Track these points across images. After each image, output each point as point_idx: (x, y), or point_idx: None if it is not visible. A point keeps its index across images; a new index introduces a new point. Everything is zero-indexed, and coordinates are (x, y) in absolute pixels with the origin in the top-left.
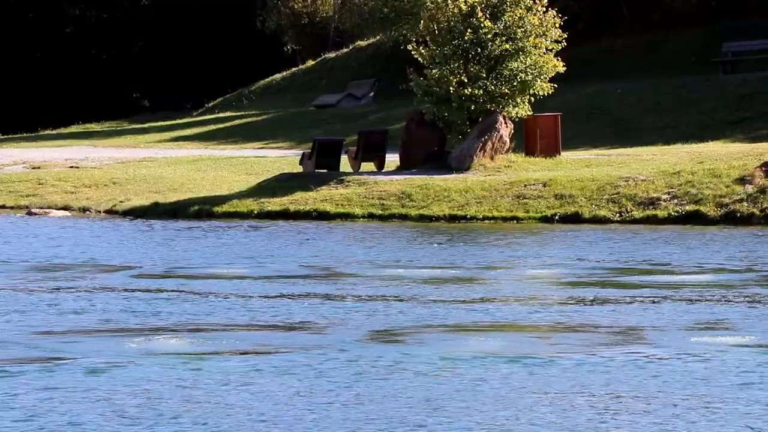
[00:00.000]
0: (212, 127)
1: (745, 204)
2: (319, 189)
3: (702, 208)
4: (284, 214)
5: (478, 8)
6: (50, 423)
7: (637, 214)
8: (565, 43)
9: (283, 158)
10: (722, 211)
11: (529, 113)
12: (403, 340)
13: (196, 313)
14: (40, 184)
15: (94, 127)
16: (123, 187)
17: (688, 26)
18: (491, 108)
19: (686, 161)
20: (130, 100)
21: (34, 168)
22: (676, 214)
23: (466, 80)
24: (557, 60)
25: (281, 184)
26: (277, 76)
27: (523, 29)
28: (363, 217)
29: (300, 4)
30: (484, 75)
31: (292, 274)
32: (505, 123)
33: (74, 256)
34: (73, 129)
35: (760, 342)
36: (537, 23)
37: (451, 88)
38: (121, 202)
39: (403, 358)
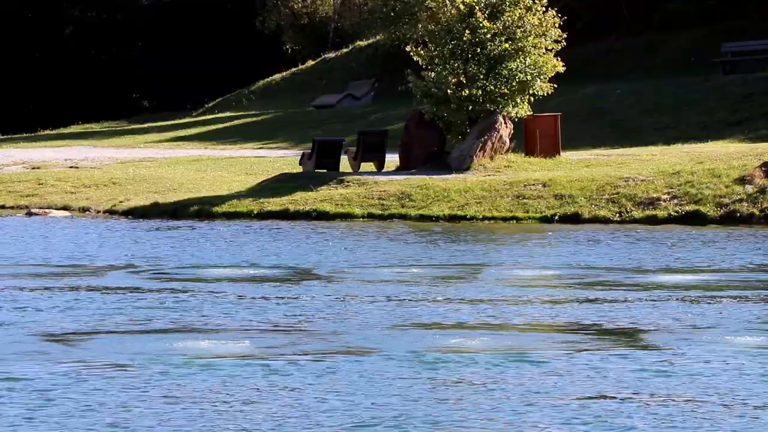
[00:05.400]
0: (212, 127)
1: (744, 204)
2: (318, 189)
3: (702, 208)
4: (284, 215)
5: (477, 8)
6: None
7: (637, 214)
8: (565, 43)
9: (282, 158)
10: (722, 211)
11: (529, 113)
12: (410, 339)
13: (208, 313)
14: (39, 184)
15: (94, 127)
16: (123, 187)
17: (688, 26)
18: (491, 108)
19: (686, 161)
20: (130, 100)
21: (34, 168)
22: (675, 214)
23: (464, 81)
24: (557, 60)
25: (281, 184)
26: (277, 76)
27: (522, 29)
28: (363, 217)
29: (300, 4)
30: (482, 75)
31: (292, 275)
32: (505, 123)
33: (74, 256)
34: (73, 129)
35: (760, 343)
36: (536, 23)
37: (449, 89)
38: (120, 202)
39: (408, 359)
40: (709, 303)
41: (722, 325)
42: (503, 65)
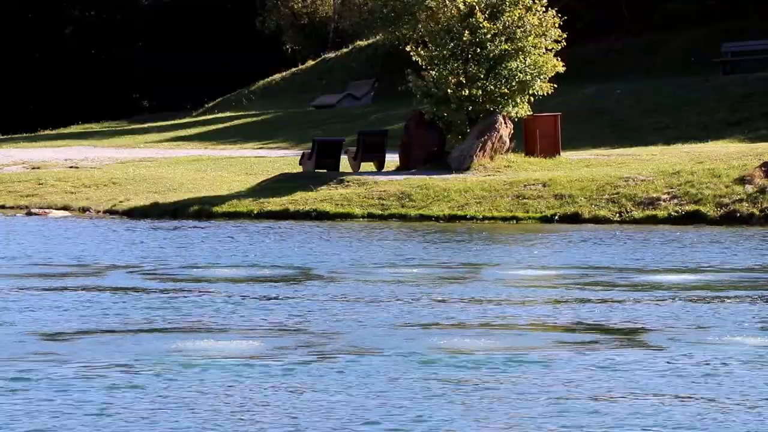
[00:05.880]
0: (212, 127)
1: (744, 204)
2: (318, 189)
3: (702, 208)
4: (284, 214)
5: (477, 8)
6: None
7: (637, 214)
8: (565, 43)
9: (283, 158)
10: (722, 211)
11: (529, 113)
12: (410, 339)
13: (209, 314)
14: (39, 184)
15: (94, 127)
16: (123, 187)
17: (688, 26)
18: (491, 108)
19: (686, 161)
20: (130, 100)
21: (34, 168)
22: (675, 214)
23: (464, 81)
24: (557, 60)
25: (281, 184)
26: (277, 76)
27: (522, 29)
28: (363, 217)
29: (300, 4)
30: (483, 75)
31: (293, 275)
32: (505, 123)
33: (75, 257)
34: (73, 129)
35: (761, 343)
36: (536, 23)
37: (449, 89)
38: (120, 202)
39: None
40: (710, 303)
41: (723, 325)
42: (503, 65)
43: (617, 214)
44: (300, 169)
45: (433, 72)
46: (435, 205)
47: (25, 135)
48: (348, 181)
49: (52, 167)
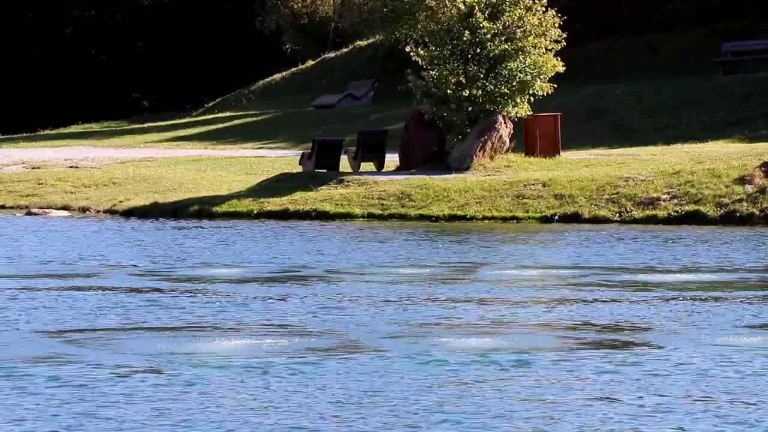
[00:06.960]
0: (212, 127)
1: (744, 204)
2: (318, 189)
3: (702, 208)
4: (284, 214)
5: (477, 8)
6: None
7: (637, 214)
8: (565, 43)
9: (283, 158)
10: (722, 211)
11: (529, 113)
12: (411, 339)
13: (212, 314)
14: (39, 184)
15: (94, 127)
16: (123, 187)
17: (688, 26)
18: (491, 108)
19: (686, 161)
20: (130, 100)
21: (33, 168)
22: (675, 214)
23: (464, 81)
24: (557, 60)
25: (281, 184)
26: (277, 76)
27: (522, 29)
28: (363, 217)
29: (300, 4)
30: (483, 75)
31: (293, 275)
32: (505, 123)
33: (75, 256)
34: (73, 129)
35: (760, 343)
36: (536, 23)
37: (449, 89)
38: (120, 202)
39: (407, 358)
40: (710, 303)
41: (723, 325)
42: (503, 65)
43: (617, 214)
44: (300, 169)
45: (433, 72)
46: (435, 205)
47: (25, 135)
48: (348, 181)
49: (52, 167)
